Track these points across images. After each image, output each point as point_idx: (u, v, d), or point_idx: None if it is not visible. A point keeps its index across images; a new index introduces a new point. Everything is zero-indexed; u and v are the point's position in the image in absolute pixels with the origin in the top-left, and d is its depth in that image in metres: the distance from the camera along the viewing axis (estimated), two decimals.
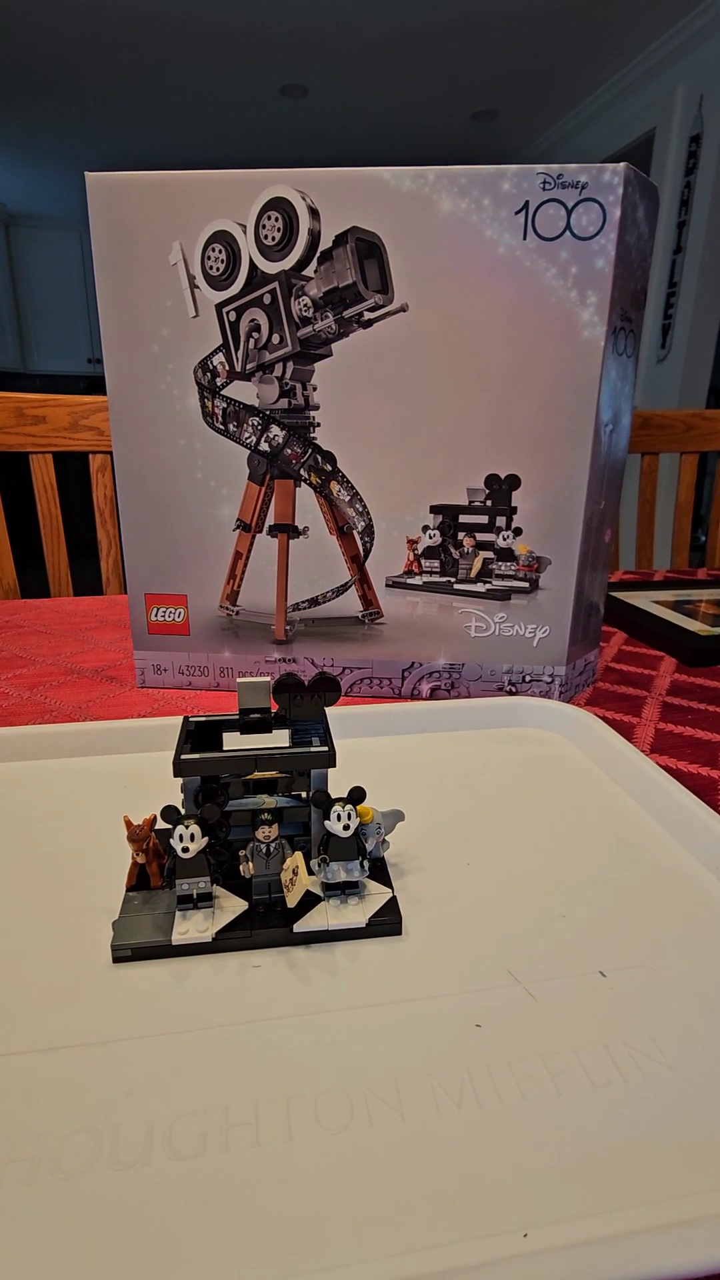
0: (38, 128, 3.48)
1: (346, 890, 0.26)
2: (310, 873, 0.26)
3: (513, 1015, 0.22)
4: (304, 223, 0.40)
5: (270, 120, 3.35)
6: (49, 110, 3.27)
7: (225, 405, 0.44)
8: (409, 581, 0.46)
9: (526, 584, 0.45)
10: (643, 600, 0.73)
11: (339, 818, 0.25)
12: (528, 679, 0.47)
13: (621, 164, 0.38)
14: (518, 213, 0.39)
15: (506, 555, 0.45)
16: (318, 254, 0.41)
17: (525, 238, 0.39)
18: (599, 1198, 0.17)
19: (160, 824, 0.31)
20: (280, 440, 0.44)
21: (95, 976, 0.23)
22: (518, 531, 0.44)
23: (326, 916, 0.25)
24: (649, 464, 1.06)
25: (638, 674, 0.53)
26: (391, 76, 2.90)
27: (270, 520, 0.45)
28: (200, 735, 0.28)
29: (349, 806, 0.25)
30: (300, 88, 2.99)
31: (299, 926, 0.25)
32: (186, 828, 0.24)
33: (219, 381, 0.43)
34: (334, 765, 0.26)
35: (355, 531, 0.45)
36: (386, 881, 0.27)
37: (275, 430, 0.44)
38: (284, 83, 2.95)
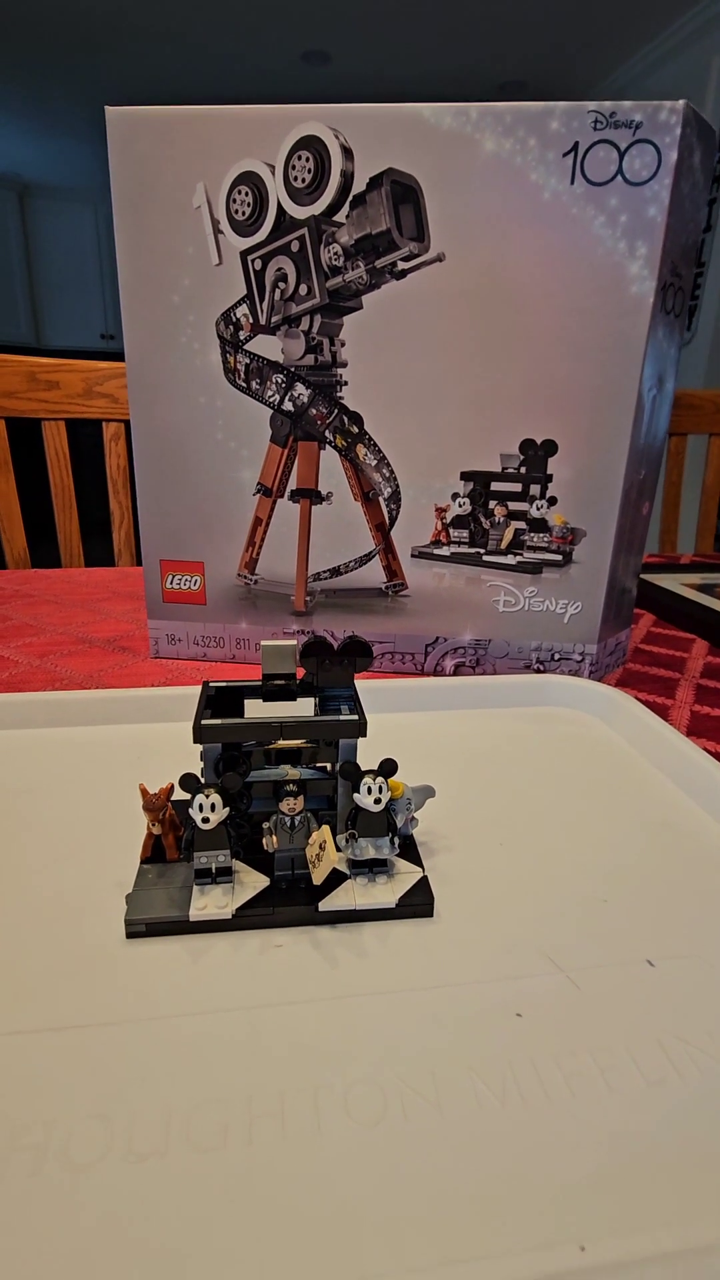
0: (53, 97, 3.41)
1: (375, 868, 0.24)
2: (337, 848, 0.25)
3: (555, 1005, 0.20)
4: (336, 163, 0.38)
5: (292, 88, 3.27)
6: (65, 79, 3.20)
7: (248, 361, 0.41)
8: (436, 552, 0.44)
9: (560, 557, 0.43)
10: (670, 582, 0.70)
11: (369, 790, 0.23)
12: (556, 657, 0.45)
13: (680, 101, 0.35)
14: (566, 155, 0.36)
15: (540, 526, 0.43)
16: (350, 198, 0.38)
17: (573, 182, 0.37)
18: (661, 1207, 0.15)
19: (178, 794, 0.29)
20: (305, 399, 0.42)
21: (107, 952, 0.22)
22: (552, 501, 0.42)
23: (353, 895, 0.23)
24: (676, 445, 1.02)
25: (669, 656, 0.51)
26: (417, 44, 2.82)
27: (292, 484, 0.43)
28: (220, 701, 0.27)
29: (380, 779, 0.24)
30: (323, 54, 2.92)
31: (324, 905, 0.23)
32: (207, 797, 0.22)
33: (242, 335, 0.41)
34: (365, 735, 0.24)
35: (381, 498, 0.43)
36: (416, 860, 0.25)
37: (300, 388, 0.41)
38: (306, 49, 2.88)
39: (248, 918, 0.23)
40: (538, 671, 0.45)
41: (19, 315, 4.75)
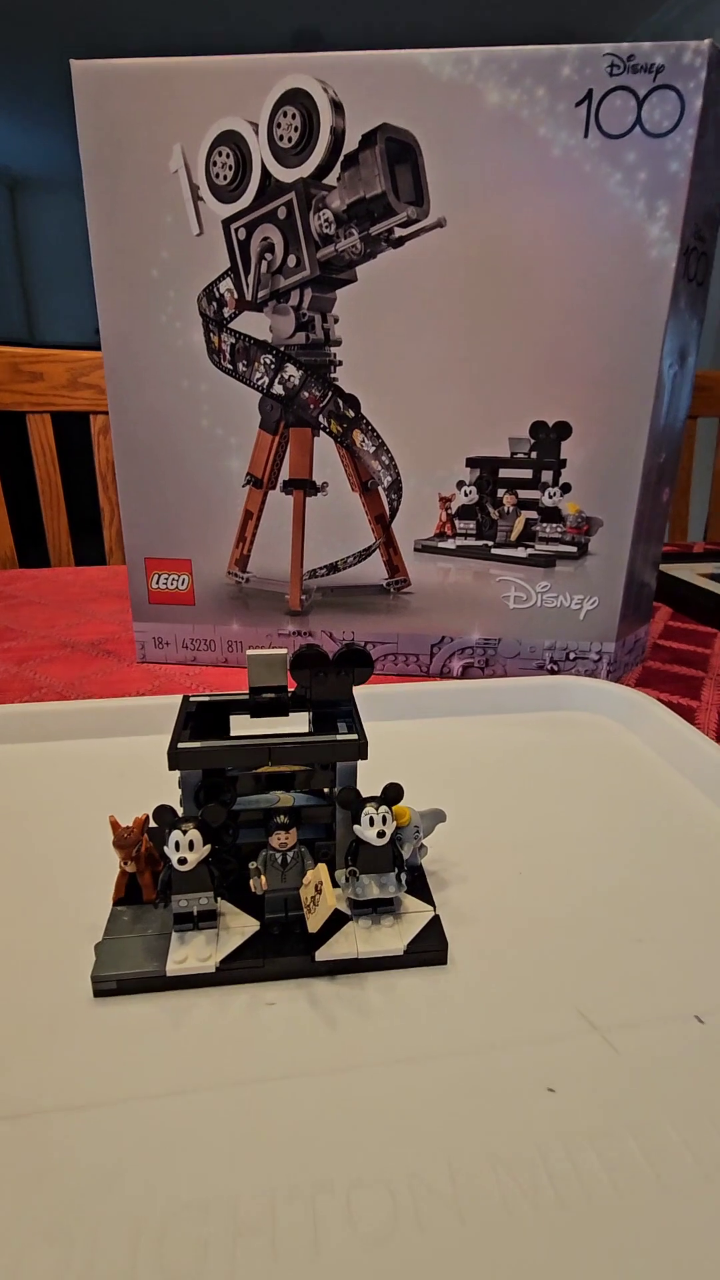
0: (40, 86, 3.35)
1: (379, 908, 0.22)
2: (335, 886, 0.22)
3: (592, 1074, 0.18)
4: (325, 120, 0.34)
5: None
6: (51, 67, 3.14)
7: (233, 340, 0.38)
8: (441, 545, 0.41)
9: (574, 548, 0.40)
10: (685, 572, 0.67)
11: (371, 821, 0.20)
12: (572, 656, 0.42)
13: (705, 41, 0.32)
14: (579, 104, 0.33)
15: (552, 515, 0.39)
16: (341, 158, 0.35)
17: (586, 135, 0.33)
18: None
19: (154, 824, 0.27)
20: (296, 382, 0.38)
21: (70, 1016, 0.19)
22: (566, 488, 0.39)
23: (355, 942, 0.21)
24: (686, 428, 0.99)
25: (690, 652, 0.48)
26: (412, 18, 2.75)
27: (285, 475, 0.40)
28: (203, 718, 0.24)
29: (384, 808, 0.21)
30: (314, 32, 2.85)
31: (322, 954, 0.20)
32: (184, 833, 0.19)
33: (226, 312, 0.38)
34: (365, 757, 0.21)
35: (380, 488, 0.40)
36: (427, 897, 0.22)
37: (290, 370, 0.38)
38: (298, 26, 2.81)
39: (234, 970, 0.20)
40: (552, 672, 0.42)
41: (11, 311, 4.70)
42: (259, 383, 0.39)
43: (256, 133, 0.35)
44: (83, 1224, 0.14)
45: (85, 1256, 0.14)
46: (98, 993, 0.19)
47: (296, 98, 0.34)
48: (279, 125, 0.35)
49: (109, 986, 0.19)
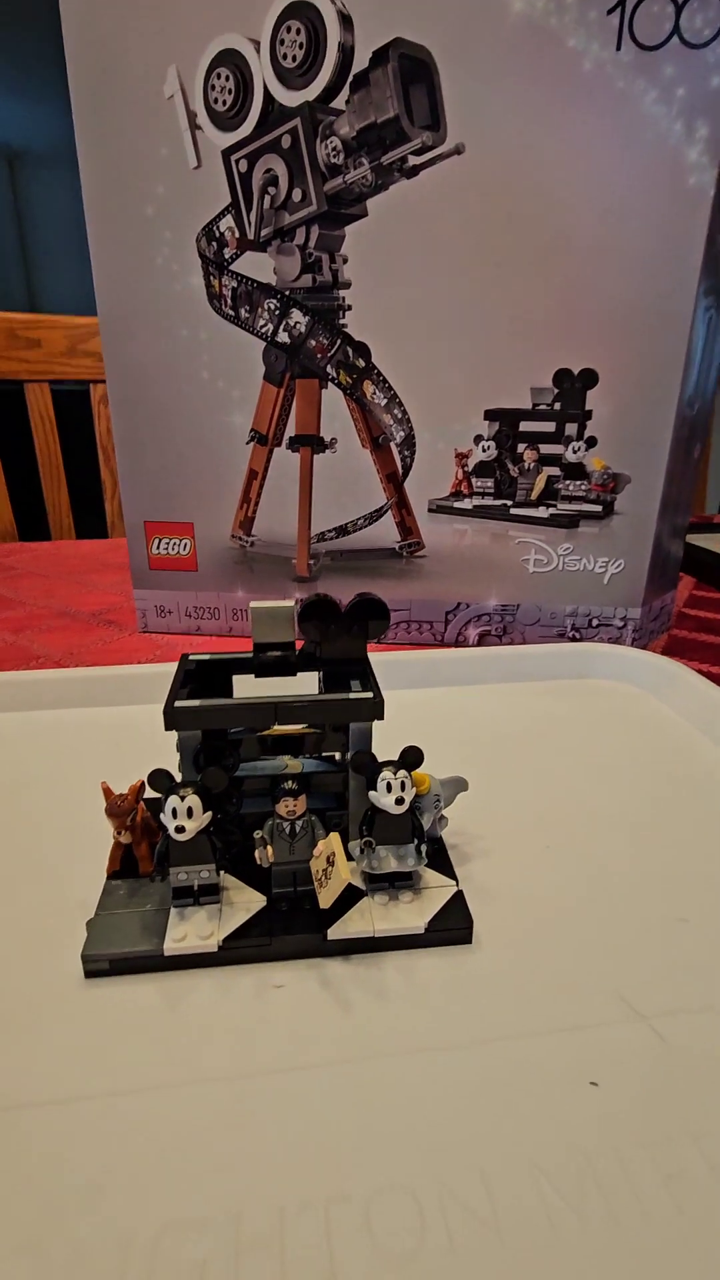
0: (37, 57, 3.27)
1: (397, 883, 0.20)
2: (349, 858, 0.20)
3: (640, 1067, 0.16)
4: (333, 35, 0.31)
5: None
6: (48, 37, 3.07)
7: (235, 284, 0.36)
8: (456, 505, 0.38)
9: (599, 507, 0.37)
10: (709, 542, 0.64)
11: (389, 787, 0.18)
12: (594, 623, 0.40)
13: None
14: (610, 11, 0.30)
15: (576, 472, 0.37)
16: (350, 79, 0.32)
17: (619, 48, 0.30)
18: None
19: (151, 792, 0.25)
20: (302, 329, 0.36)
21: (58, 998, 0.17)
22: (591, 442, 0.36)
23: (371, 919, 0.19)
24: None
25: (718, 621, 0.46)
26: None
27: (291, 430, 0.38)
28: (203, 678, 0.22)
29: (402, 773, 0.19)
30: None
31: (335, 932, 0.18)
32: (182, 799, 0.17)
33: (227, 253, 0.35)
34: (381, 717, 0.19)
35: (393, 444, 0.38)
36: (449, 871, 0.20)
37: (296, 315, 0.36)
38: None
39: (238, 949, 0.18)
40: (573, 640, 0.40)
41: (12, 284, 4.65)
42: (263, 330, 0.36)
43: (258, 52, 0.32)
44: (63, 1237, 0.13)
45: (65, 1276, 0.12)
46: (89, 973, 0.18)
47: (301, 11, 0.31)
48: (282, 42, 0.32)
49: (101, 966, 0.18)
